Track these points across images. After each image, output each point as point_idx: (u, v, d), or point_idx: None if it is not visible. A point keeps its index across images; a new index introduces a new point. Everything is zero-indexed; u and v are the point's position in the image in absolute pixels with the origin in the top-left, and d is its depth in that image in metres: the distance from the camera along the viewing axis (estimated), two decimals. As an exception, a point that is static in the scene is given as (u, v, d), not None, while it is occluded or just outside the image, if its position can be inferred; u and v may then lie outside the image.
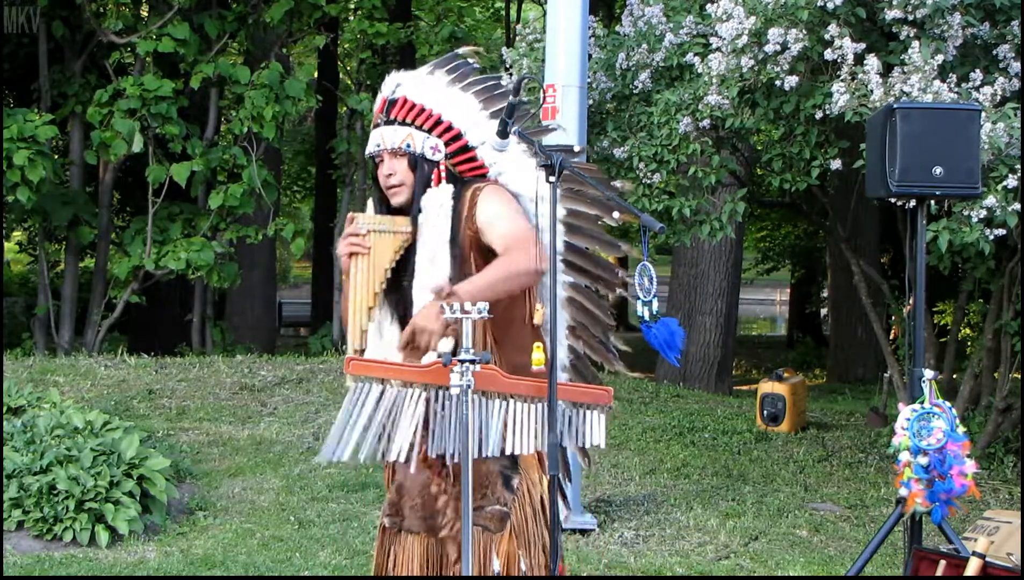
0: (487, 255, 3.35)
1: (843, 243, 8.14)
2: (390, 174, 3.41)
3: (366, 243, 3.33)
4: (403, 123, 3.44)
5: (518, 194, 3.45)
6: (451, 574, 3.39)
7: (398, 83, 3.51)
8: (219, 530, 5.89)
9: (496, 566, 3.42)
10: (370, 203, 3.48)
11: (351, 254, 3.33)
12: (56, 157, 10.44)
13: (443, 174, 3.43)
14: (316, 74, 13.42)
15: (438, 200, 3.39)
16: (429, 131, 3.45)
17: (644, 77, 6.62)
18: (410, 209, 3.40)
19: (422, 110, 3.47)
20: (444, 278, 3.29)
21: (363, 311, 3.31)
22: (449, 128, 3.48)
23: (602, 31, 7.04)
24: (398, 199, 3.42)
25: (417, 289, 3.35)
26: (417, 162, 3.42)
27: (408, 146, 3.41)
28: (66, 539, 5.48)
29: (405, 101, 3.48)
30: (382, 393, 3.24)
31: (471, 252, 3.36)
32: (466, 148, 3.49)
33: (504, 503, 3.38)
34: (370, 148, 3.48)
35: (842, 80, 5.65)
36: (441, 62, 3.62)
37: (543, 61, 6.29)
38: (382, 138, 3.43)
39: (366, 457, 3.23)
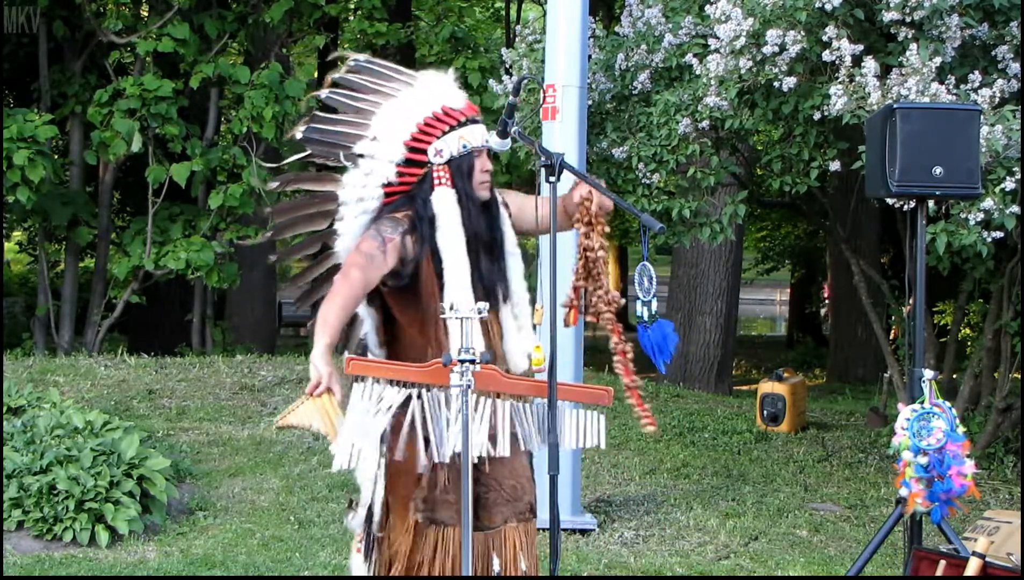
0: None
1: (843, 243, 8.14)
2: (488, 170, 3.53)
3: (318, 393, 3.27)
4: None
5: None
6: (494, 570, 3.43)
7: (454, 83, 3.62)
8: (219, 530, 5.89)
9: (496, 566, 3.44)
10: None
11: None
12: (56, 157, 10.43)
13: None
14: (316, 74, 13.43)
15: (497, 197, 3.60)
16: None
17: (643, 78, 6.63)
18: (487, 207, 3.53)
19: None
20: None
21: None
22: None
23: (601, 32, 7.05)
24: (487, 194, 3.52)
25: (513, 264, 3.51)
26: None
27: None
28: (66, 539, 5.48)
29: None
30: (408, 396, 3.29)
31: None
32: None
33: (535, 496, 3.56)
34: (478, 142, 3.51)
35: (840, 82, 5.66)
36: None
37: (543, 61, 6.29)
38: (488, 137, 3.54)
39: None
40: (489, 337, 3.44)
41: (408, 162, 3.50)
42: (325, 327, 3.23)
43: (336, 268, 3.50)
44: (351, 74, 3.62)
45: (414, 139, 3.49)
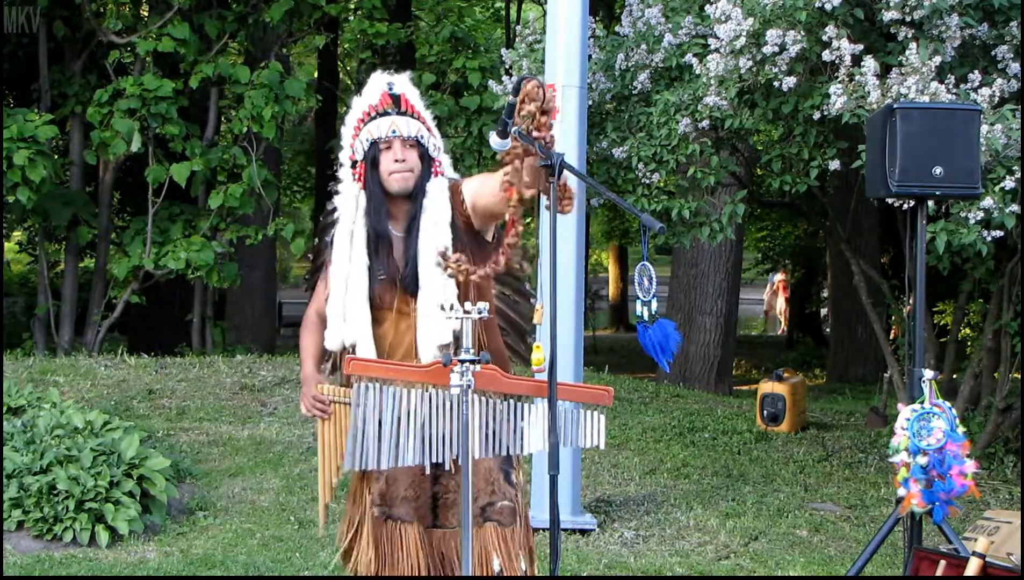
0: (478, 239, 3.56)
1: (843, 243, 8.14)
2: (402, 160, 3.53)
3: (328, 410, 3.52)
4: (414, 116, 3.60)
5: None
6: (446, 562, 3.47)
7: (391, 82, 3.65)
8: (219, 530, 5.89)
9: (496, 566, 3.45)
10: (327, 387, 3.58)
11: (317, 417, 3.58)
12: (56, 157, 10.42)
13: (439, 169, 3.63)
14: (316, 74, 13.42)
15: (439, 187, 3.57)
16: (428, 131, 3.66)
17: (643, 78, 6.63)
18: (410, 194, 3.54)
19: (419, 112, 3.66)
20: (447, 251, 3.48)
21: (333, 473, 3.62)
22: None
23: (602, 32, 7.05)
24: (404, 185, 3.54)
25: (423, 252, 3.49)
26: (426, 154, 3.57)
27: (422, 138, 3.58)
28: (66, 539, 5.48)
29: (408, 99, 3.63)
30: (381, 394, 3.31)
31: (466, 235, 3.54)
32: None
33: (509, 498, 3.54)
34: (383, 132, 3.54)
35: (839, 82, 5.66)
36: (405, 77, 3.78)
37: (543, 61, 6.29)
38: (397, 126, 3.55)
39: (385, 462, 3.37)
40: (396, 329, 3.49)
41: (354, 163, 3.66)
42: (302, 359, 3.66)
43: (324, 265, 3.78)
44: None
45: (352, 140, 3.65)
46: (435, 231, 3.49)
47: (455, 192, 3.58)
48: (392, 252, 3.52)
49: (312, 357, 3.62)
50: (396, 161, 3.51)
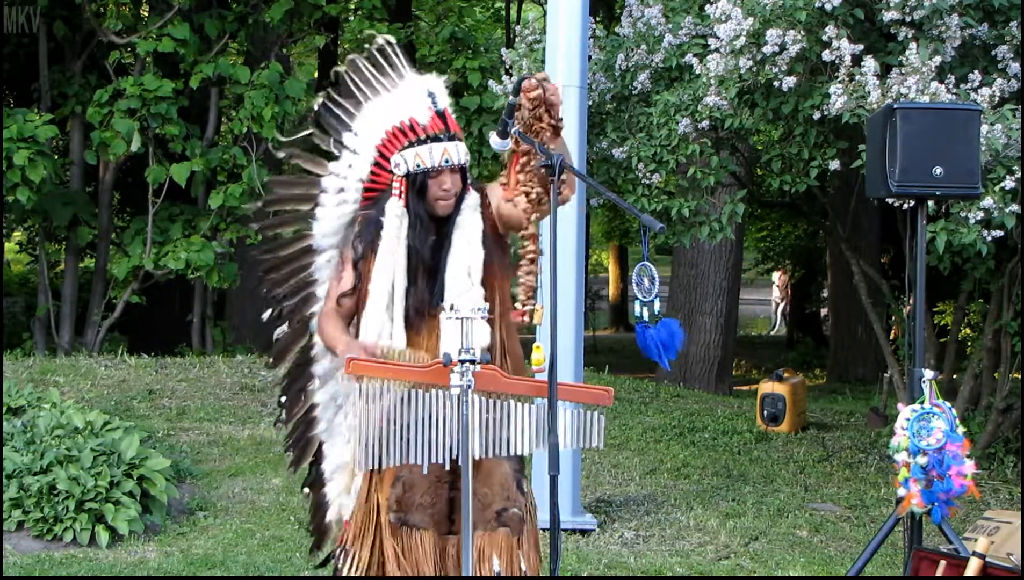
0: (502, 245, 3.54)
1: (843, 243, 8.15)
2: (449, 188, 3.49)
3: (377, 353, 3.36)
4: (459, 138, 3.56)
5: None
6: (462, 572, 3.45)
7: (432, 93, 3.56)
8: (219, 530, 5.89)
9: (496, 566, 3.44)
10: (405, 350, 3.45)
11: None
12: (56, 157, 10.43)
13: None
14: (316, 74, 13.41)
15: (472, 203, 3.53)
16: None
17: (643, 78, 6.63)
18: (448, 218, 3.50)
19: (458, 129, 3.60)
20: (478, 274, 3.45)
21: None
22: None
23: (601, 32, 7.05)
24: (449, 210, 3.50)
25: (451, 273, 3.45)
26: (465, 174, 3.55)
27: (466, 160, 3.55)
28: (66, 539, 5.48)
29: (451, 116, 3.58)
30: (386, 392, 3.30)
31: (494, 245, 3.51)
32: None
33: (519, 506, 3.51)
34: (436, 161, 3.47)
35: (839, 81, 5.66)
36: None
37: (543, 61, 6.30)
38: (449, 155, 3.49)
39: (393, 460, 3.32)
40: (420, 338, 3.47)
41: (379, 165, 3.59)
42: (333, 340, 3.50)
43: (308, 249, 3.68)
44: (365, 58, 3.70)
45: (383, 144, 3.57)
46: (467, 250, 3.46)
47: (483, 197, 3.54)
48: (426, 269, 3.49)
49: (344, 332, 3.50)
50: (444, 189, 3.47)
